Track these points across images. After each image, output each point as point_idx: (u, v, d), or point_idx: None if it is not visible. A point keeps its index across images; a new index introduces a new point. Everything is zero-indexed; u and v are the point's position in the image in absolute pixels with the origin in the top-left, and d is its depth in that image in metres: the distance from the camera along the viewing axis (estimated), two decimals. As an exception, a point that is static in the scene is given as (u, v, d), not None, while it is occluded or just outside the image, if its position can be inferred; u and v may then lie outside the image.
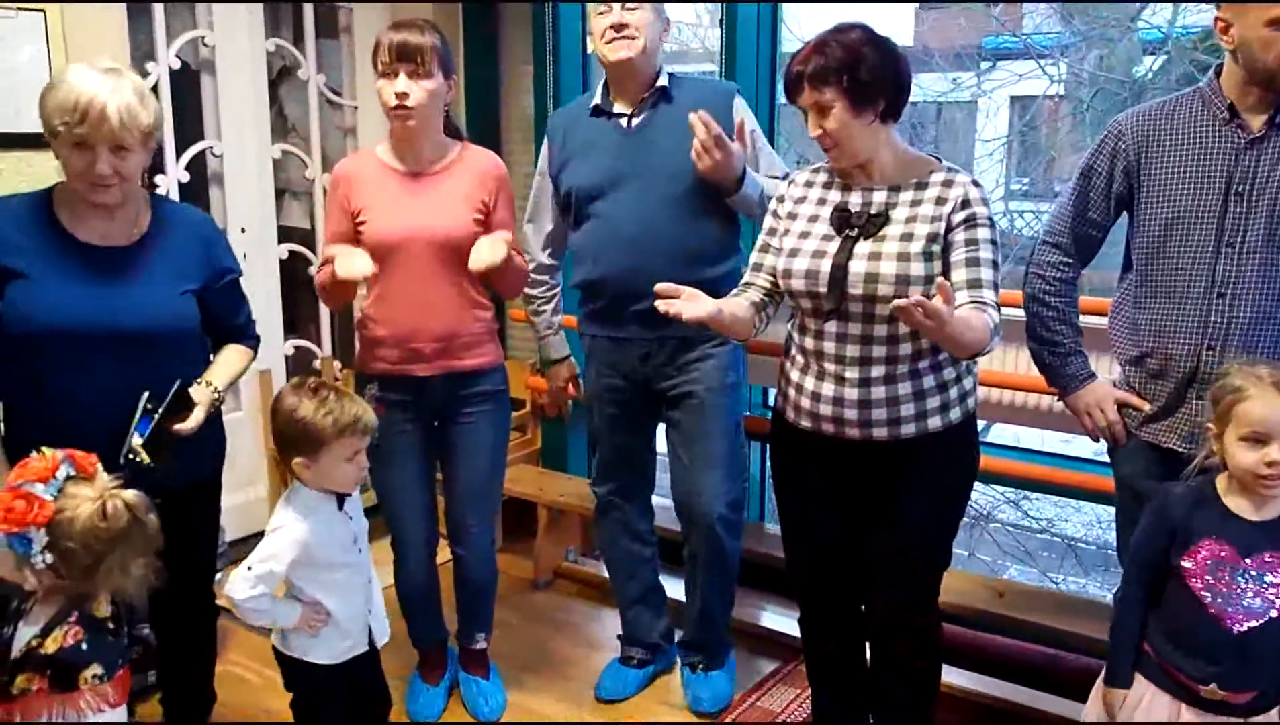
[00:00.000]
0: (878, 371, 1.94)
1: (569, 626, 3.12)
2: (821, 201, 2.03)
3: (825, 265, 1.94)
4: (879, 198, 1.97)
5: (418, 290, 2.32)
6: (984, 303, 1.87)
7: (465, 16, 3.53)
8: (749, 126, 2.41)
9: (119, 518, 1.57)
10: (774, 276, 2.08)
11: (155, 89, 3.05)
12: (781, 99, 3.18)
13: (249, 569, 1.88)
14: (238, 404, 3.37)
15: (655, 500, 2.75)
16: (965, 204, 1.90)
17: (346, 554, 1.99)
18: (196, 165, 3.24)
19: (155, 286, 1.97)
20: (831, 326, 1.96)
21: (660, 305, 1.89)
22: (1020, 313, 2.17)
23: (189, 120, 3.24)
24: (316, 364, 3.63)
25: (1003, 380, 2.67)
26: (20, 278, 1.88)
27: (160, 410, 1.91)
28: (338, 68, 3.62)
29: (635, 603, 2.75)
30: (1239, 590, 1.67)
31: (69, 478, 1.59)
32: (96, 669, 1.61)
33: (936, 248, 1.90)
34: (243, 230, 3.35)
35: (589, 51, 2.47)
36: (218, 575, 2.36)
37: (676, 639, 2.78)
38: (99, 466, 1.64)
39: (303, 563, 1.91)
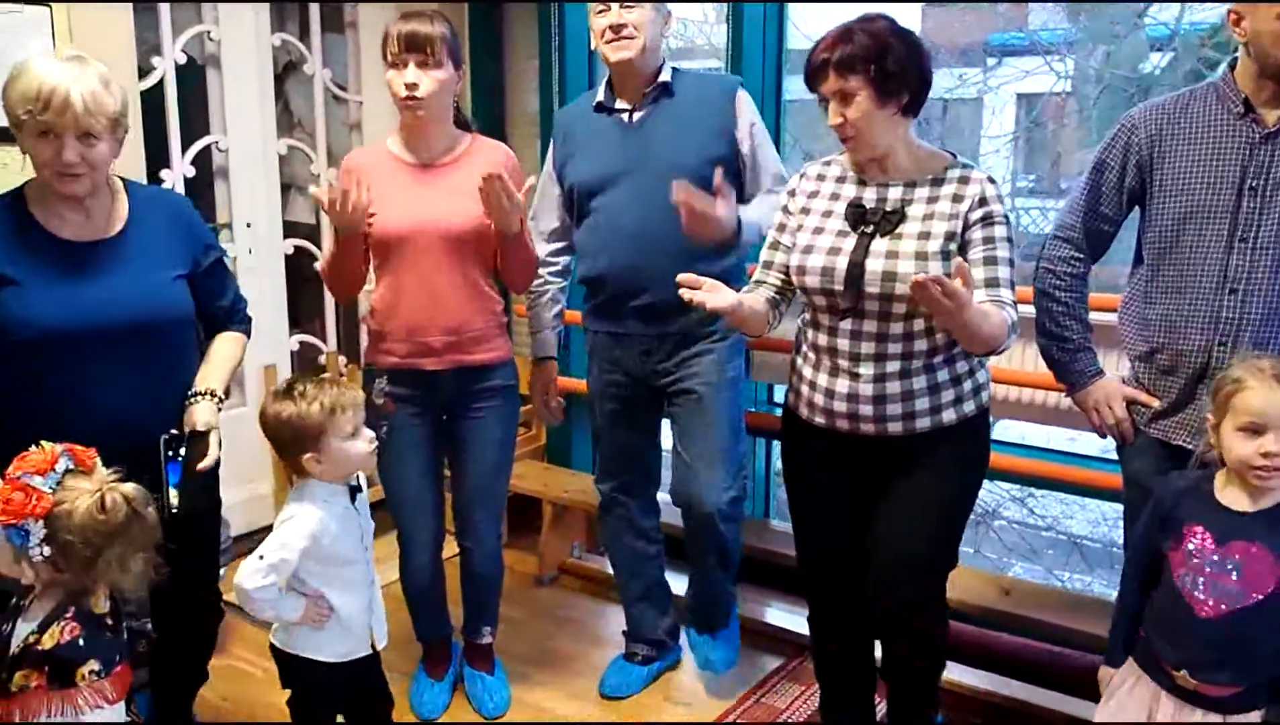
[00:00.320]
0: (892, 367, 1.93)
1: (573, 623, 3.11)
2: (835, 196, 2.01)
3: (841, 263, 1.93)
4: (894, 194, 1.95)
5: (427, 282, 2.31)
6: (1002, 301, 1.86)
7: (470, 13, 3.52)
8: (751, 122, 2.40)
9: (117, 510, 1.57)
10: (786, 273, 2.06)
11: (161, 84, 3.06)
12: (788, 96, 3.17)
13: (260, 558, 1.86)
14: (242, 399, 3.37)
15: (660, 497, 2.74)
16: (983, 202, 1.89)
17: (355, 550, 1.99)
18: (202, 160, 3.23)
19: (147, 277, 1.96)
20: (846, 324, 1.94)
21: (684, 293, 1.90)
22: (1029, 308, 2.16)
23: (194, 115, 3.24)
24: (321, 359, 3.63)
25: (1010, 376, 2.66)
26: (11, 285, 1.87)
27: (181, 453, 1.94)
28: (343, 63, 3.62)
29: (640, 599, 2.74)
30: (1208, 577, 1.69)
31: (68, 471, 1.58)
32: (94, 665, 1.60)
33: (954, 247, 1.89)
34: (248, 225, 3.35)
35: (593, 48, 2.45)
36: (221, 572, 2.35)
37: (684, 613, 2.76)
38: (98, 460, 1.64)
39: (312, 554, 1.90)
